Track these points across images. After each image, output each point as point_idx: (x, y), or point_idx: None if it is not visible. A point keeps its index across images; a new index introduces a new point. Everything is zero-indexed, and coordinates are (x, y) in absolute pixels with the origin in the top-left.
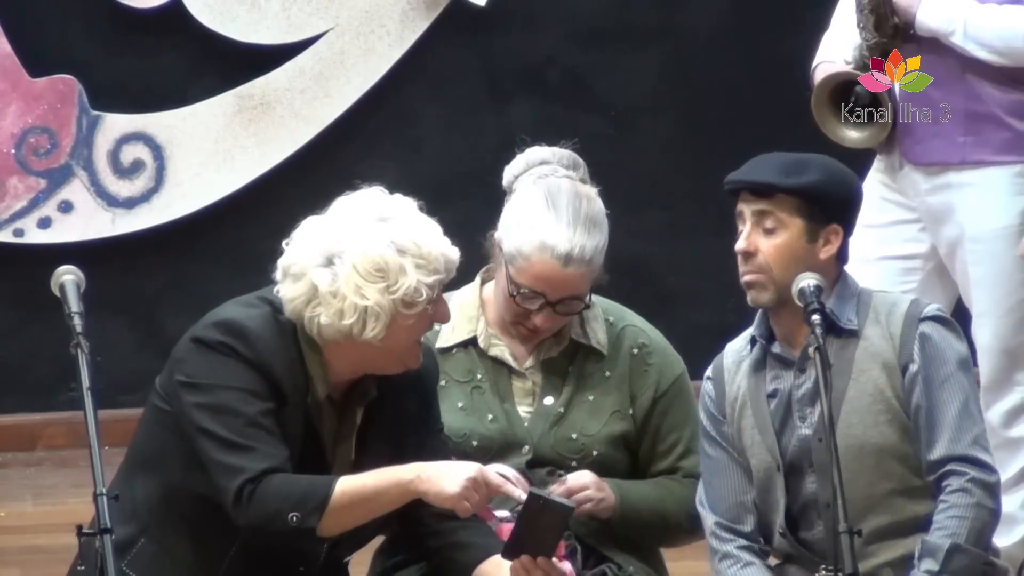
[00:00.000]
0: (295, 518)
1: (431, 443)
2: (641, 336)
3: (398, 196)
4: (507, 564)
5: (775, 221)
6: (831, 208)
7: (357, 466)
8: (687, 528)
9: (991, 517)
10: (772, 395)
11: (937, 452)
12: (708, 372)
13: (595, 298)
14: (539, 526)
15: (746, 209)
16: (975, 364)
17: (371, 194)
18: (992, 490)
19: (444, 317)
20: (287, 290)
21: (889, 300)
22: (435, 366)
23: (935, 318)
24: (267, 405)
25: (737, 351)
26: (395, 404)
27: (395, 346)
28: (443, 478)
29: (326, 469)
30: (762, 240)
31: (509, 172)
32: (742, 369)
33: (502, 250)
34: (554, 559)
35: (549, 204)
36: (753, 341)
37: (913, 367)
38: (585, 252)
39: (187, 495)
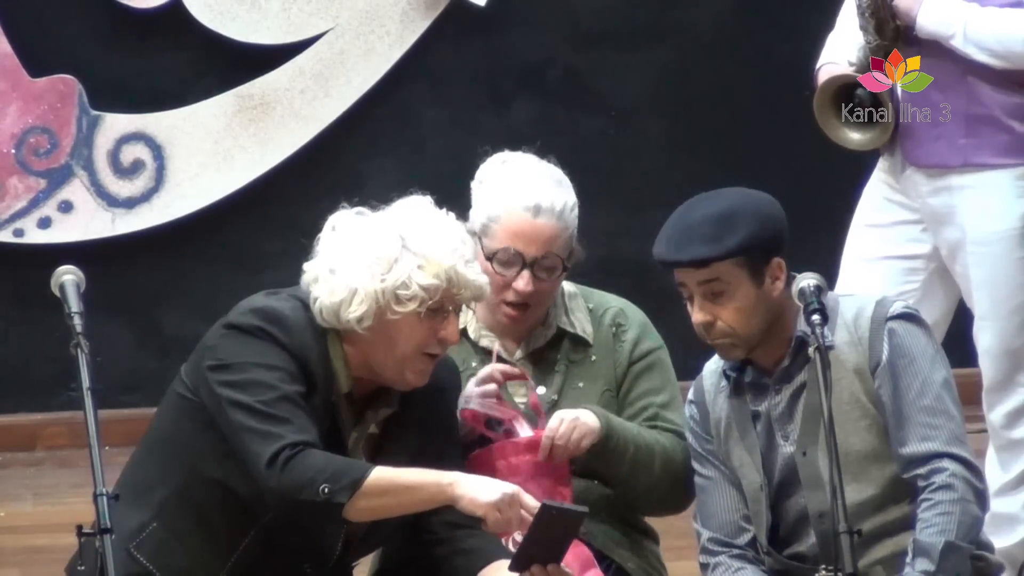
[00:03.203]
0: (326, 490)
1: (450, 452)
2: (619, 315)
3: (447, 212)
4: (504, 567)
5: (722, 285)
6: (768, 249)
7: None
8: (668, 471)
9: (978, 511)
10: (756, 416)
11: (911, 448)
12: (690, 395)
13: (576, 286)
14: (551, 535)
15: (688, 281)
16: (976, 365)
17: (423, 200)
18: (973, 485)
19: (450, 336)
20: (308, 266)
21: (855, 305)
22: (457, 382)
23: (901, 315)
24: (300, 388)
25: (714, 372)
26: (412, 418)
27: (392, 348)
28: (481, 486)
29: None
30: (716, 308)
31: (475, 182)
32: (722, 392)
33: (475, 234)
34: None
35: (510, 171)
36: (725, 375)
37: (880, 368)
38: (554, 203)
39: (204, 484)
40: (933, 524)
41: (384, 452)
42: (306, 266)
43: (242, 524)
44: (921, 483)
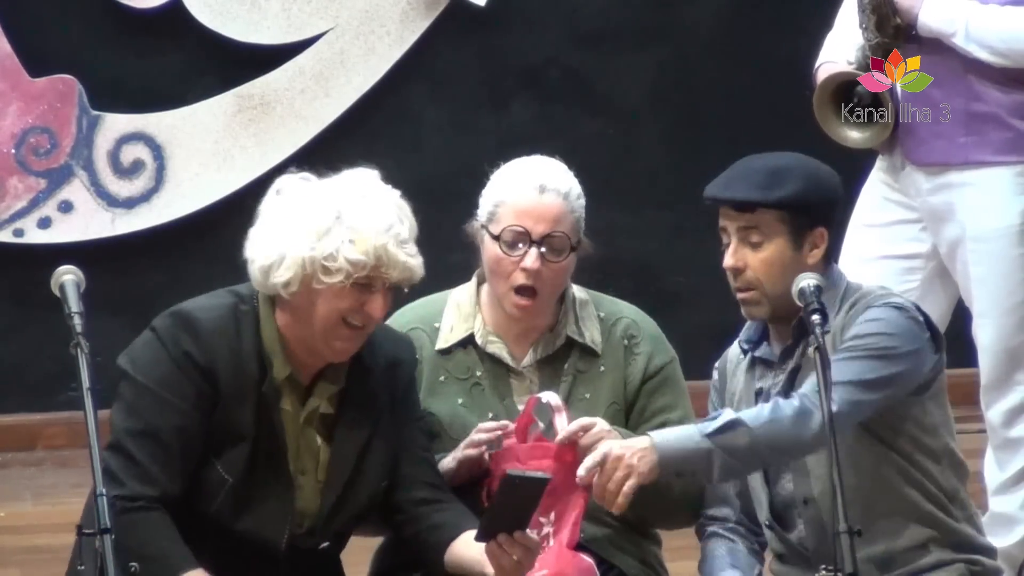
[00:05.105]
0: (134, 569)
1: (407, 432)
2: (632, 327)
3: (392, 189)
4: (472, 538)
5: (760, 235)
6: (815, 214)
7: (332, 454)
8: (687, 493)
9: (800, 429)
10: (759, 393)
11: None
12: (717, 363)
13: (587, 292)
14: (515, 503)
15: (729, 225)
16: (974, 364)
17: (370, 175)
18: (815, 414)
19: (374, 311)
20: (252, 230)
21: (863, 293)
22: (412, 357)
23: (889, 304)
24: (179, 421)
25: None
26: (366, 393)
27: (315, 316)
28: None
29: (283, 455)
30: (749, 255)
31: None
32: (742, 365)
33: (482, 225)
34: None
35: (515, 162)
36: (742, 348)
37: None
38: (560, 183)
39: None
40: (754, 408)
41: (339, 431)
42: (251, 231)
43: (197, 518)
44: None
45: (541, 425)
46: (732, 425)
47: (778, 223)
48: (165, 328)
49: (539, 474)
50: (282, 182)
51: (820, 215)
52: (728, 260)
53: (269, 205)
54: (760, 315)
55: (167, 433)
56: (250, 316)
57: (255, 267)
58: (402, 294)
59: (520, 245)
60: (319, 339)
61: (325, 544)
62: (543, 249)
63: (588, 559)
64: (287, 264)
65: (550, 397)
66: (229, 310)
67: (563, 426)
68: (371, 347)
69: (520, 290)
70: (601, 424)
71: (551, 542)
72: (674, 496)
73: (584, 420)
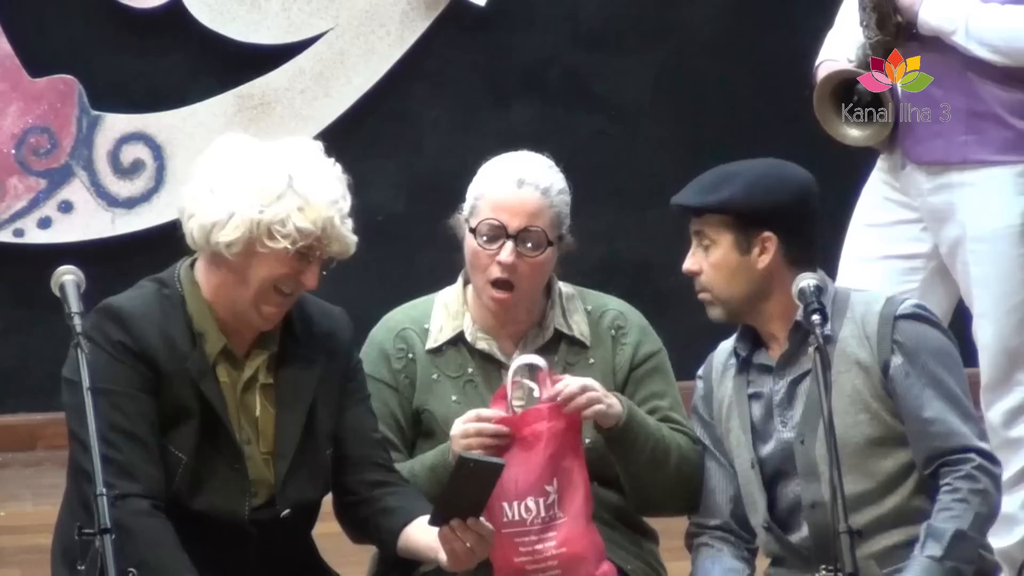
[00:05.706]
0: (132, 575)
1: (356, 413)
2: (619, 318)
3: (335, 164)
4: (425, 523)
5: (708, 239)
6: (758, 218)
7: (277, 422)
8: (682, 470)
9: (995, 506)
10: (756, 397)
11: (935, 444)
12: (700, 371)
13: (575, 288)
14: (469, 488)
15: (690, 228)
16: (975, 365)
17: (317, 146)
18: (997, 481)
19: (307, 281)
20: (187, 188)
21: (864, 300)
22: (346, 329)
23: (909, 315)
24: (136, 408)
25: (725, 351)
26: (302, 359)
27: (250, 279)
28: None
29: (226, 427)
30: (703, 259)
31: None
32: (730, 371)
33: (464, 219)
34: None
35: (500, 156)
36: (736, 353)
37: (893, 368)
38: (539, 179)
39: None
40: (950, 508)
41: (280, 399)
42: (185, 190)
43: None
44: (945, 470)
45: (532, 386)
46: (956, 538)
47: (722, 226)
48: (92, 325)
49: (494, 459)
50: (224, 140)
51: (764, 219)
52: (686, 263)
53: (211, 162)
54: (717, 316)
55: (129, 423)
56: (174, 298)
57: (195, 223)
58: (330, 268)
59: (496, 238)
60: (249, 303)
61: (286, 512)
62: (525, 244)
63: (601, 540)
64: (234, 223)
65: (536, 359)
66: (152, 295)
67: (548, 387)
68: (301, 316)
69: (496, 283)
70: (596, 384)
71: (557, 510)
72: (671, 469)
73: (583, 380)
